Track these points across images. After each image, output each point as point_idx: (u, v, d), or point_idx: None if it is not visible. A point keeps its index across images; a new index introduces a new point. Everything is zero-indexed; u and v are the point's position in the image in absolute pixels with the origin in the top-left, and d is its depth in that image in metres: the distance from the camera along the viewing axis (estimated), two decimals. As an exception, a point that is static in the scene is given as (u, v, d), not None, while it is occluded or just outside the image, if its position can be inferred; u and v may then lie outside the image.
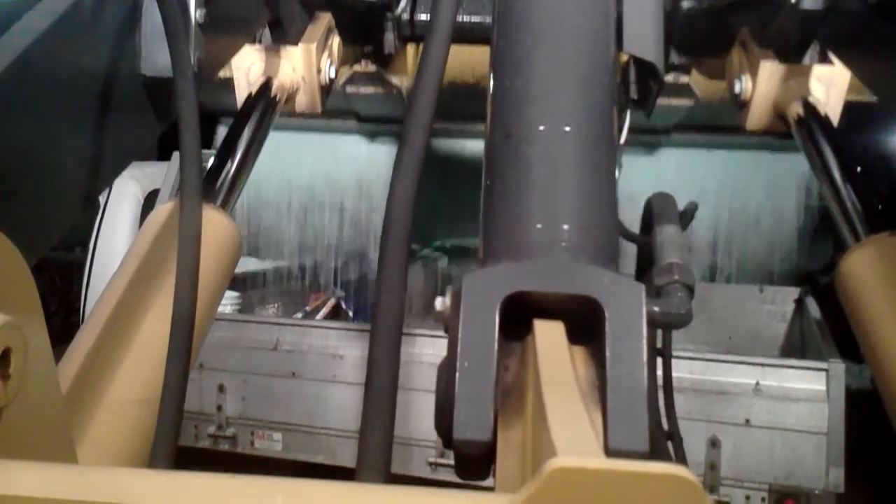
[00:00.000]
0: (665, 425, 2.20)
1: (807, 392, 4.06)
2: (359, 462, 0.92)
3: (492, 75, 1.24)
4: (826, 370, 4.05)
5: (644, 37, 1.40)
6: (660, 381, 2.30)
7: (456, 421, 0.88)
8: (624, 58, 1.49)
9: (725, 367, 4.21)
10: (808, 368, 4.13)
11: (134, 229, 5.36)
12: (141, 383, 1.34)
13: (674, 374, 2.35)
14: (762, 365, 4.19)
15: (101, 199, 5.65)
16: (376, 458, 0.92)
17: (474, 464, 0.90)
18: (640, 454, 0.82)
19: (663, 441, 1.91)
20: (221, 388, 4.87)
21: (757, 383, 4.12)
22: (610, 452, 0.82)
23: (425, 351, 4.27)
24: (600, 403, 0.88)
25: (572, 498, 0.57)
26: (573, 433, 0.72)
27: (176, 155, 5.19)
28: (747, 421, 4.13)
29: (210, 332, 5.31)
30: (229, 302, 5.47)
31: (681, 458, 2.12)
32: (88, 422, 1.26)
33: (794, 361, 4.33)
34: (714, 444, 4.13)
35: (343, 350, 4.72)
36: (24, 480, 0.64)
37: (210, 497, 0.64)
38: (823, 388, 4.04)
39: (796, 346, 5.47)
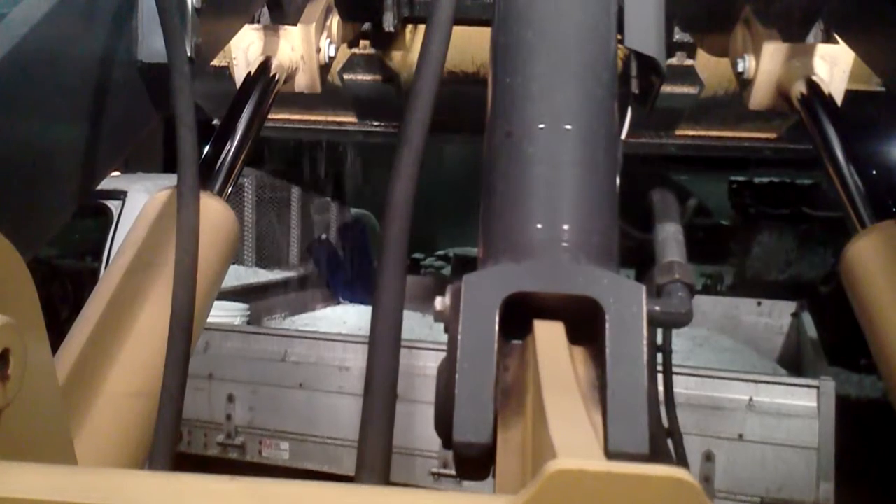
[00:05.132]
0: (665, 422, 2.18)
1: (798, 408, 4.08)
2: (358, 463, 0.90)
3: (492, 73, 1.22)
4: (817, 387, 4.06)
5: (645, 31, 1.38)
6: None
7: (456, 422, 0.86)
8: (625, 51, 1.46)
9: (720, 384, 4.22)
10: (800, 385, 4.15)
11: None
12: (139, 376, 1.31)
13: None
14: (755, 381, 4.21)
15: (115, 209, 5.68)
16: (375, 458, 0.90)
17: (474, 464, 0.88)
18: (640, 456, 0.80)
19: (664, 441, 1.87)
20: (230, 398, 4.89)
21: (750, 399, 4.14)
22: (610, 454, 0.80)
23: (428, 364, 4.26)
24: (600, 404, 0.85)
25: (572, 500, 0.55)
26: (573, 434, 0.70)
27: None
28: (741, 435, 4.14)
29: (220, 342, 5.33)
30: (238, 313, 5.49)
31: (681, 457, 2.09)
32: (86, 414, 1.23)
33: (786, 378, 4.36)
34: (708, 457, 4.14)
35: (349, 362, 4.74)
36: (23, 482, 0.63)
37: (209, 499, 0.62)
38: (815, 404, 4.05)
39: (793, 360, 5.48)
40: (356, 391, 4.62)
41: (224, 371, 4.85)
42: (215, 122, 3.33)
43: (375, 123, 4.49)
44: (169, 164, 5.42)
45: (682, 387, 4.01)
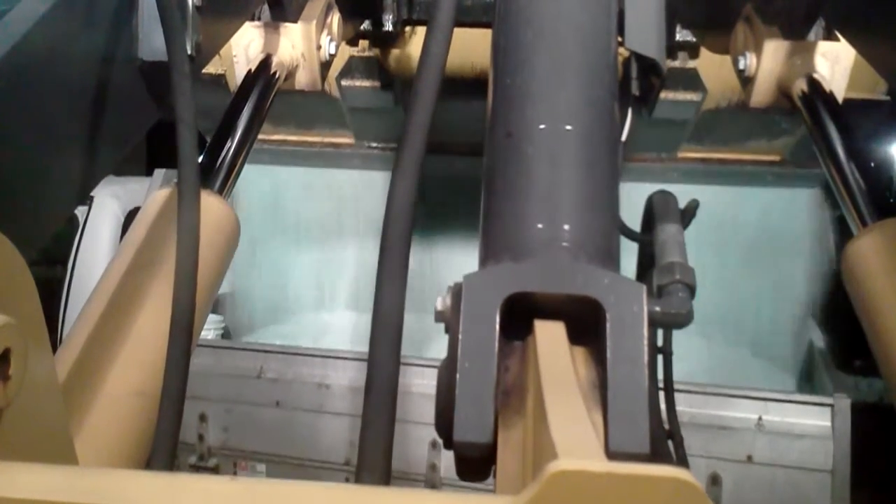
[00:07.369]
0: (666, 424, 2.22)
1: (811, 428, 4.04)
2: (359, 463, 0.95)
3: (492, 73, 1.27)
4: (832, 405, 4.03)
5: (646, 33, 1.43)
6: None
7: (456, 422, 0.91)
8: (625, 53, 1.52)
9: (726, 401, 4.18)
10: (813, 404, 4.11)
11: (114, 247, 5.31)
12: (139, 376, 1.36)
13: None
14: (765, 399, 4.16)
15: (81, 216, 5.65)
16: (376, 459, 0.94)
17: (475, 465, 0.93)
18: (640, 456, 0.85)
19: (664, 442, 1.93)
20: (203, 418, 4.84)
21: (759, 418, 4.10)
22: (611, 454, 0.85)
23: (414, 381, 4.24)
24: (601, 404, 0.90)
25: (573, 500, 0.59)
26: (574, 434, 0.74)
27: (158, 172, 5.18)
28: (749, 457, 4.10)
29: (191, 358, 5.23)
30: (212, 326, 5.44)
31: (682, 459, 2.13)
32: (86, 414, 1.29)
33: (798, 396, 4.29)
34: (714, 480, 4.10)
35: (329, 379, 4.68)
36: (23, 482, 0.66)
37: (209, 499, 0.66)
38: (829, 423, 4.02)
39: (799, 367, 5.45)
40: (337, 410, 4.60)
41: (195, 388, 4.77)
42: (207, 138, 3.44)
43: (374, 145, 4.56)
44: (151, 168, 5.40)
45: (686, 405, 3.97)
